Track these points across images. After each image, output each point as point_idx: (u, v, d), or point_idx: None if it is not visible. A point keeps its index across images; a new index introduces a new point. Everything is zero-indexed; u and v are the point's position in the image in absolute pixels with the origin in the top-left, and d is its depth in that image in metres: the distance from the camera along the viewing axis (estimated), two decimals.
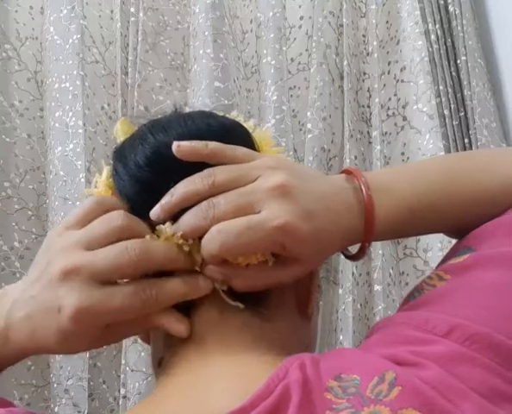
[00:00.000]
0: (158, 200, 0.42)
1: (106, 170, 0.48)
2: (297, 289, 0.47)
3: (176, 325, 0.42)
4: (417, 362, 0.38)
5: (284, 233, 0.41)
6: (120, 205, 0.44)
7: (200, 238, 0.42)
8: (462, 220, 0.50)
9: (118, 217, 0.42)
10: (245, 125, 0.49)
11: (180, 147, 0.43)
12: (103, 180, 0.48)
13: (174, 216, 0.42)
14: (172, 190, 0.42)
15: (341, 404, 0.35)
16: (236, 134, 0.47)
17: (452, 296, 0.43)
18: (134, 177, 0.44)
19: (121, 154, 0.47)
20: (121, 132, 0.49)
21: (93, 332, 0.41)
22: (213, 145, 0.44)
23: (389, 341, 0.41)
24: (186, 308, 0.44)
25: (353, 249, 0.50)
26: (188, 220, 0.42)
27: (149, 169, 0.44)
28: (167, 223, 0.42)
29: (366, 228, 0.45)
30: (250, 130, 0.49)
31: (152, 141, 0.45)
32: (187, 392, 0.40)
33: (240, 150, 0.45)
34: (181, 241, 0.42)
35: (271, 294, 0.45)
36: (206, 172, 0.43)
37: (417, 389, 0.35)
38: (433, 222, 0.50)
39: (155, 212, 0.42)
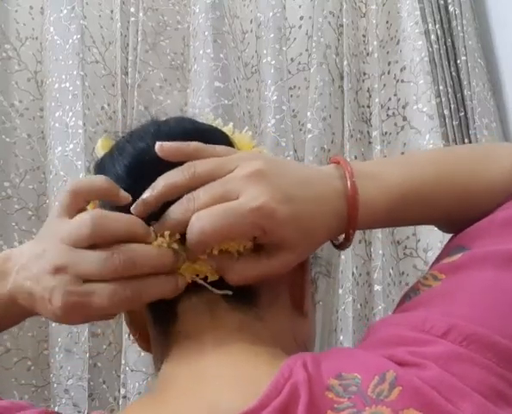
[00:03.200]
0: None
1: None
2: (290, 285, 0.47)
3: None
4: (417, 362, 0.38)
5: (262, 215, 0.41)
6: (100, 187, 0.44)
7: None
8: (454, 212, 0.50)
9: (92, 222, 0.42)
10: (224, 129, 0.49)
11: (163, 147, 0.43)
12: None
13: (156, 216, 0.43)
14: (153, 184, 0.43)
15: (343, 404, 0.35)
16: (214, 137, 0.47)
17: (448, 296, 0.44)
18: None
19: (100, 168, 0.47)
20: (101, 149, 0.50)
21: (84, 317, 0.43)
22: (194, 144, 0.44)
23: (387, 342, 0.42)
24: (174, 312, 0.44)
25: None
26: (170, 215, 0.42)
27: (129, 178, 0.44)
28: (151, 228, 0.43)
29: (350, 214, 0.45)
30: (229, 133, 0.49)
31: (130, 150, 0.46)
32: (189, 393, 0.40)
33: (220, 147, 0.45)
34: (165, 243, 0.42)
35: (263, 292, 0.45)
36: (186, 165, 0.43)
37: (417, 389, 0.35)
38: (424, 211, 0.50)
39: (137, 207, 0.42)
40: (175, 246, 0.42)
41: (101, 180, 0.44)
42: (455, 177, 0.50)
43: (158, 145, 0.43)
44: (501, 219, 0.47)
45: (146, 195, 0.42)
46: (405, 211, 0.49)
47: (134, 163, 0.45)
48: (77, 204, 0.44)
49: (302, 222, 0.43)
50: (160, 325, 0.46)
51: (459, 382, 0.36)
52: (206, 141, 0.45)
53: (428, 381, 0.36)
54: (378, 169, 0.49)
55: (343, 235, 0.48)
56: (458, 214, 0.50)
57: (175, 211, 0.42)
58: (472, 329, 0.39)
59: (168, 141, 0.44)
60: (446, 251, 0.50)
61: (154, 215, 0.43)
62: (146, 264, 0.42)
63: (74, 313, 0.41)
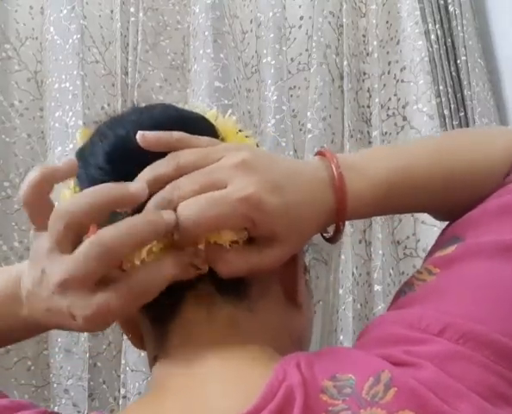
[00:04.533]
0: None
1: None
2: (282, 277, 0.46)
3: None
4: (412, 362, 0.37)
5: (250, 205, 0.40)
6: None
7: None
8: (445, 199, 0.50)
9: (65, 215, 0.39)
10: (207, 114, 0.48)
11: (145, 137, 0.41)
12: (70, 191, 0.46)
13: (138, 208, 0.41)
14: (138, 176, 0.41)
15: (338, 406, 0.35)
16: (199, 126, 0.46)
17: (444, 291, 0.43)
18: (94, 180, 0.42)
19: (80, 157, 0.45)
20: (80, 140, 0.48)
21: (110, 321, 0.41)
22: (178, 134, 0.43)
23: (383, 341, 0.41)
24: (172, 306, 0.43)
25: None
26: (152, 204, 0.40)
27: (110, 166, 0.43)
28: None
29: (338, 204, 0.44)
30: (213, 119, 0.48)
31: (110, 136, 0.44)
32: (185, 393, 0.40)
33: (205, 139, 0.44)
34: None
35: (253, 283, 0.44)
36: (170, 155, 0.42)
37: (413, 390, 0.35)
38: (415, 199, 0.49)
39: (124, 202, 0.41)
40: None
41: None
42: (452, 166, 0.49)
43: (139, 134, 0.41)
44: (494, 207, 0.47)
45: (133, 189, 0.40)
46: (395, 200, 0.48)
47: (115, 150, 0.43)
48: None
49: (291, 214, 0.42)
50: (157, 322, 0.45)
51: (456, 382, 0.36)
52: (191, 131, 0.44)
53: (424, 382, 0.36)
54: (364, 158, 0.48)
55: (333, 228, 0.47)
56: (451, 203, 0.50)
57: (158, 201, 0.40)
58: (469, 326, 0.39)
59: (151, 129, 0.42)
60: (440, 243, 0.49)
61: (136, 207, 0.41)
62: (119, 250, 0.39)
63: (99, 322, 0.40)
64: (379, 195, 0.46)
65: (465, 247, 0.45)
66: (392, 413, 0.34)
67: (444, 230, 0.51)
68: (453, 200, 0.50)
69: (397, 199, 0.48)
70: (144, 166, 0.42)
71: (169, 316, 0.44)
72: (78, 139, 0.48)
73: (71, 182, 0.46)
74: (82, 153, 0.45)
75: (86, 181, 0.43)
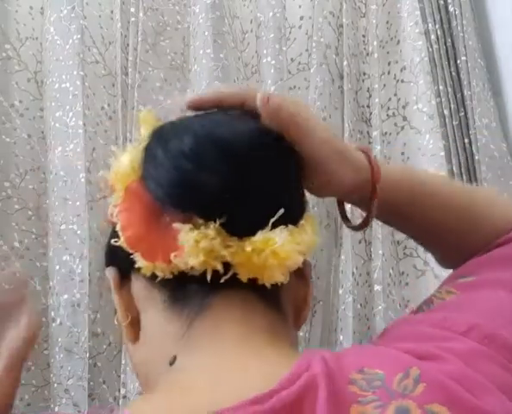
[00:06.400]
0: (194, 195, 0.41)
1: (130, 152, 0.45)
2: (295, 297, 0.47)
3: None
4: (440, 356, 0.38)
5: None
6: None
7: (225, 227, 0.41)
8: (454, 233, 0.53)
9: None
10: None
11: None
12: (126, 164, 0.44)
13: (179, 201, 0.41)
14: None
15: (367, 397, 0.35)
16: (289, 151, 0.46)
17: (465, 305, 0.45)
18: (176, 166, 0.41)
19: (161, 138, 0.44)
20: (146, 122, 0.47)
21: None
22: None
23: (408, 337, 0.42)
24: (201, 305, 0.43)
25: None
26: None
27: (195, 159, 0.41)
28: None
29: (372, 172, 0.48)
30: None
31: (199, 131, 0.43)
32: (215, 384, 0.39)
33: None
34: (212, 231, 0.40)
35: (282, 300, 0.45)
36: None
37: (442, 383, 0.36)
38: (431, 211, 0.52)
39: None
40: (217, 241, 0.40)
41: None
42: (471, 201, 0.54)
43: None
44: (498, 255, 0.50)
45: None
46: (414, 206, 0.52)
47: (203, 146, 0.42)
48: None
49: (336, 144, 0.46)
50: (186, 313, 0.43)
51: (481, 377, 0.37)
52: (280, 145, 0.46)
53: (453, 376, 0.37)
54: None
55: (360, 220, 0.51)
56: (458, 237, 0.53)
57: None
58: (492, 329, 0.41)
59: (246, 138, 0.44)
60: (455, 276, 0.51)
61: (187, 198, 0.41)
62: None
63: None
64: (403, 190, 0.51)
65: (482, 278, 0.48)
66: (422, 405, 0.35)
67: (452, 273, 0.54)
68: (461, 238, 0.53)
69: (416, 207, 0.52)
70: (224, 171, 0.41)
71: (202, 310, 0.43)
72: (143, 119, 0.48)
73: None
74: (163, 134, 0.45)
75: (168, 161, 0.42)
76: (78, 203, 0.95)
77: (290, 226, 0.43)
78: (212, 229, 0.40)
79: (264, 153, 0.43)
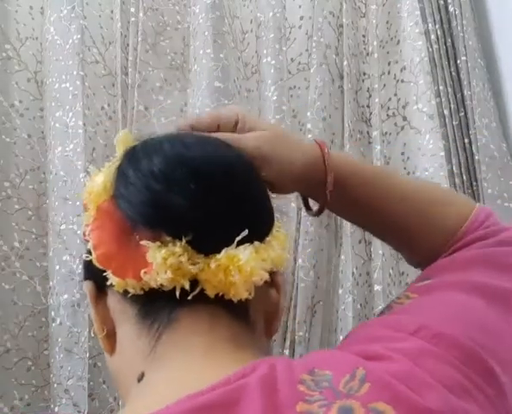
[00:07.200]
0: (163, 214, 0.42)
1: (103, 172, 0.47)
2: (266, 306, 0.48)
3: None
4: (388, 356, 0.40)
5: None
6: None
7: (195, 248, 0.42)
8: (412, 228, 0.56)
9: None
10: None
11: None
12: (99, 183, 0.46)
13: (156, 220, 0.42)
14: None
15: (314, 396, 0.37)
16: (253, 171, 0.49)
17: (420, 308, 0.48)
18: (146, 185, 0.43)
19: (132, 158, 0.46)
20: (122, 143, 0.48)
21: None
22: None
23: (361, 340, 0.45)
24: (169, 319, 0.44)
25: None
26: None
27: (164, 180, 0.43)
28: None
29: (322, 152, 0.53)
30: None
31: (169, 152, 0.45)
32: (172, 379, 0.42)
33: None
34: (178, 248, 0.42)
35: (250, 310, 0.46)
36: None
37: (386, 383, 0.38)
38: (380, 205, 0.56)
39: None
40: (186, 257, 0.42)
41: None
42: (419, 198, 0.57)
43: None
44: (461, 259, 0.53)
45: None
46: (373, 194, 0.55)
47: (173, 167, 0.44)
48: None
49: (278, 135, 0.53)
50: (155, 328, 0.44)
51: (427, 375, 0.39)
52: (251, 173, 0.49)
53: (396, 375, 0.38)
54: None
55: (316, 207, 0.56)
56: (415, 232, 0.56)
57: None
58: (441, 329, 0.43)
59: (213, 162, 0.46)
60: (416, 281, 0.54)
61: (156, 217, 0.42)
62: None
63: None
64: (350, 175, 0.54)
65: (438, 281, 0.51)
66: (366, 404, 0.36)
67: (420, 274, 0.57)
68: (418, 234, 0.56)
69: (378, 195, 0.56)
70: (194, 192, 0.43)
71: (169, 324, 0.44)
72: (120, 141, 0.49)
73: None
74: (135, 154, 0.46)
75: (138, 181, 0.44)
76: (78, 203, 0.95)
77: (256, 243, 0.44)
78: (179, 247, 0.42)
79: (230, 174, 0.45)
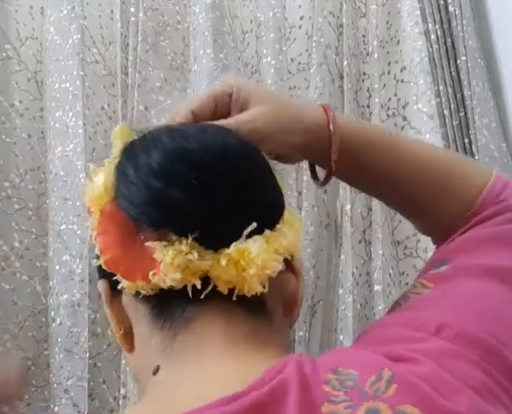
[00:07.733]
0: (166, 212, 0.41)
1: (104, 171, 0.46)
2: (284, 294, 0.47)
3: None
4: (412, 358, 0.39)
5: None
6: None
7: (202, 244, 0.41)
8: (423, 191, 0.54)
9: None
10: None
11: None
12: (99, 185, 0.45)
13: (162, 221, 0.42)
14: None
15: (339, 397, 0.36)
16: (256, 155, 0.47)
17: (438, 301, 0.46)
18: (147, 184, 0.42)
19: (131, 155, 0.45)
20: (119, 138, 0.48)
21: None
22: None
23: (382, 340, 0.43)
24: (184, 319, 0.43)
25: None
26: None
27: (164, 176, 0.42)
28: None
29: (325, 110, 0.51)
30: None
31: (168, 146, 0.44)
32: (193, 391, 0.40)
33: None
34: (185, 247, 0.41)
35: (267, 301, 0.45)
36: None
37: (413, 385, 0.37)
38: (391, 170, 0.53)
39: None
40: (194, 255, 0.41)
41: None
42: (433, 163, 0.55)
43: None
44: (474, 239, 0.51)
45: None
46: (373, 156, 0.53)
47: (172, 161, 0.43)
48: None
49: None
50: (168, 327, 0.44)
51: (453, 378, 0.38)
52: (248, 159, 0.47)
53: (423, 377, 0.37)
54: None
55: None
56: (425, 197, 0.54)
57: None
58: (462, 327, 0.42)
59: (211, 150, 0.44)
60: (430, 264, 0.52)
61: (160, 216, 0.41)
62: None
63: None
64: (361, 139, 0.52)
65: (455, 267, 0.49)
66: (393, 407, 0.35)
67: (433, 255, 0.55)
68: (429, 198, 0.54)
69: (375, 158, 0.53)
70: (198, 186, 0.42)
71: (185, 322, 0.43)
72: (117, 133, 0.48)
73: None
74: (133, 151, 0.45)
75: (138, 179, 0.43)
76: (77, 203, 0.95)
77: (267, 231, 0.42)
78: (186, 245, 0.41)
79: (233, 164, 0.44)
